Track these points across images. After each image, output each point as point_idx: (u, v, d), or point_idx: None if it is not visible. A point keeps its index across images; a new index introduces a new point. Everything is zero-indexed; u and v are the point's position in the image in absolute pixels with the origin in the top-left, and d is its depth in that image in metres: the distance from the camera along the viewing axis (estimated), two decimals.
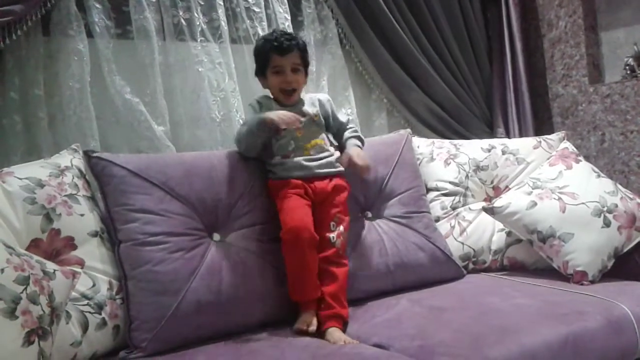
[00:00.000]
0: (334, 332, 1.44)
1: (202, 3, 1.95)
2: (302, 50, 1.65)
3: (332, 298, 1.50)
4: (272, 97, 1.67)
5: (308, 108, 1.67)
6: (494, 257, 1.88)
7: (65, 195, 1.43)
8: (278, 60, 1.60)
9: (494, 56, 2.56)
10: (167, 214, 1.48)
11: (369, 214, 1.80)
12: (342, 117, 1.77)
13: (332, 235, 1.55)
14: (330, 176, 1.62)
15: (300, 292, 1.51)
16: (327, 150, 1.65)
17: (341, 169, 1.66)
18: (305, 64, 1.67)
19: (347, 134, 1.73)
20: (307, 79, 1.71)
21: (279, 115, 1.53)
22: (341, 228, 1.58)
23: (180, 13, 1.91)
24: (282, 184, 1.59)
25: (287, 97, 1.64)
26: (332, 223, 1.57)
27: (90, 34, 1.78)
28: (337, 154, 1.68)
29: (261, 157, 1.65)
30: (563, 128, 2.46)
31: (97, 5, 1.79)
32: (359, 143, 1.72)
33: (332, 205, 1.60)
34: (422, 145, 2.09)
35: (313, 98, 1.72)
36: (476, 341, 1.29)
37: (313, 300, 1.50)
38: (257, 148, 1.62)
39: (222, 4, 1.97)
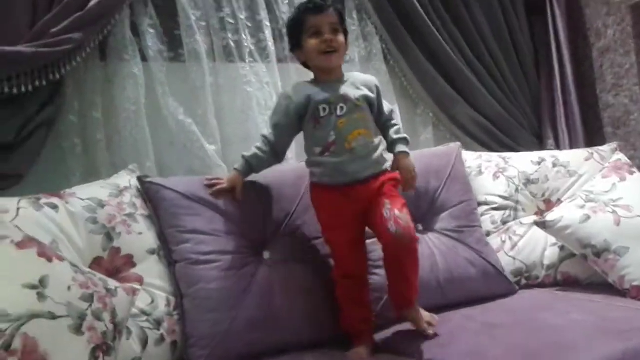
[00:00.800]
0: (412, 314, 1.49)
1: (250, 25, 2.01)
2: (339, 12, 1.52)
3: (406, 293, 1.47)
4: (307, 80, 1.54)
5: (349, 90, 1.49)
6: (547, 272, 1.85)
7: (124, 215, 1.48)
8: (314, 19, 1.46)
9: (542, 67, 2.54)
10: (217, 233, 1.52)
11: (420, 227, 1.80)
12: (386, 107, 1.59)
13: (390, 224, 1.38)
14: (375, 176, 1.48)
15: (352, 326, 1.51)
16: (372, 143, 1.48)
17: (388, 165, 1.52)
18: (345, 29, 1.53)
19: (392, 134, 1.56)
20: (348, 46, 1.56)
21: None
22: (396, 212, 1.39)
23: (229, 35, 1.97)
24: (321, 191, 1.50)
25: (328, 59, 1.47)
26: (385, 210, 1.40)
27: (144, 58, 1.85)
28: (383, 146, 1.54)
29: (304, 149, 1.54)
30: (615, 139, 2.40)
31: (151, 30, 1.87)
32: (406, 149, 1.56)
33: (380, 197, 1.44)
34: (470, 158, 2.08)
35: (358, 79, 1.54)
36: (531, 358, 1.27)
37: (366, 331, 1.50)
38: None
39: (269, 24, 2.02)
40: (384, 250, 1.44)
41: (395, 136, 1.56)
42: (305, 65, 1.56)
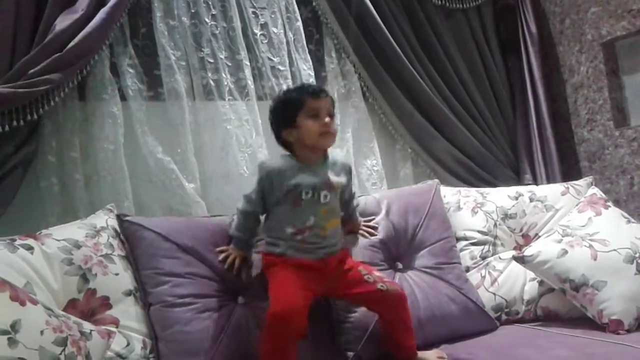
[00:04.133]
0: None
1: (230, 64, 2.03)
2: (332, 100, 1.58)
3: (411, 342, 1.57)
4: (287, 155, 1.56)
5: (332, 177, 1.54)
6: (527, 307, 1.86)
7: (101, 255, 1.47)
8: (314, 103, 1.50)
9: (517, 102, 2.59)
10: (194, 277, 1.52)
11: (400, 265, 1.80)
12: (353, 186, 1.73)
13: (379, 285, 1.53)
14: (340, 250, 1.58)
15: None
16: (340, 234, 1.58)
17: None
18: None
19: (352, 207, 1.72)
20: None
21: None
22: (376, 274, 1.57)
23: (209, 74, 1.99)
24: (284, 260, 1.49)
25: (327, 140, 1.52)
26: (365, 277, 1.54)
27: (123, 97, 1.86)
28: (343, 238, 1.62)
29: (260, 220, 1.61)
30: (591, 172, 2.44)
31: (130, 70, 1.88)
32: (357, 215, 1.75)
33: (348, 270, 1.55)
34: (449, 194, 2.10)
35: (338, 163, 1.60)
36: None
37: None
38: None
39: (249, 64, 2.04)
40: (381, 311, 1.57)
41: (355, 211, 1.74)
42: (285, 144, 1.57)
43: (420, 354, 1.58)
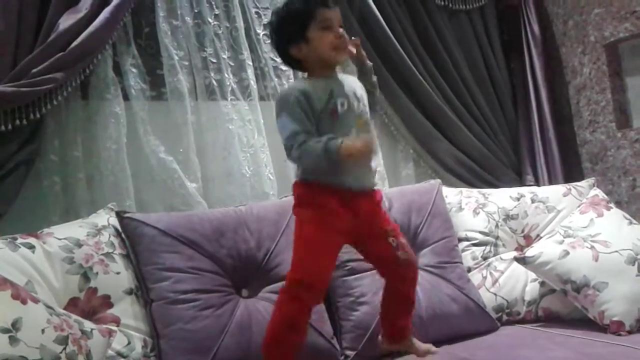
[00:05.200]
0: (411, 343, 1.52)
1: (232, 64, 2.03)
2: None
3: (409, 320, 1.51)
4: (304, 78, 1.44)
5: (357, 89, 1.41)
6: (528, 308, 1.85)
7: (102, 254, 1.48)
8: (327, 13, 1.35)
9: (519, 104, 2.58)
10: (196, 271, 1.52)
11: None
12: None
13: (399, 253, 1.43)
14: (373, 191, 1.45)
15: (281, 352, 1.34)
16: (373, 167, 1.44)
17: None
18: None
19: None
20: None
21: (360, 149, 1.26)
22: (401, 240, 1.46)
23: (212, 74, 2.00)
24: (320, 190, 1.35)
25: (342, 55, 1.38)
26: (390, 239, 1.44)
27: (126, 97, 1.86)
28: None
29: None
30: (593, 174, 2.44)
31: (133, 70, 1.89)
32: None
33: (380, 222, 1.45)
34: (450, 194, 2.10)
35: (350, 79, 1.46)
36: None
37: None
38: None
39: (251, 64, 2.04)
40: (390, 278, 1.49)
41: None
42: (291, 62, 1.44)
43: (413, 340, 1.54)
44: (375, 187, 1.47)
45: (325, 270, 1.36)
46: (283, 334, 1.33)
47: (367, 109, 1.45)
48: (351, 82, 1.44)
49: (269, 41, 2.10)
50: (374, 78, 1.52)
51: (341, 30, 1.37)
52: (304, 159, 1.32)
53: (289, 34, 1.38)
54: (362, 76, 1.49)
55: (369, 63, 1.50)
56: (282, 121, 1.34)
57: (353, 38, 1.43)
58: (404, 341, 1.53)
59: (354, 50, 1.40)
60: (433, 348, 1.56)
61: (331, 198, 1.35)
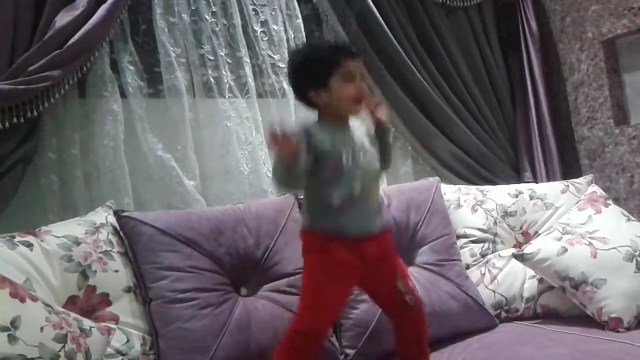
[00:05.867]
0: None
1: (230, 61, 2.02)
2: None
3: None
4: (316, 120, 1.38)
5: (364, 139, 1.37)
6: (527, 305, 1.86)
7: (100, 252, 1.47)
8: (352, 64, 1.32)
9: (517, 101, 2.58)
10: (195, 270, 1.51)
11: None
12: None
13: (407, 297, 1.39)
14: (382, 233, 1.40)
15: None
16: (381, 209, 1.42)
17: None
18: None
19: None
20: None
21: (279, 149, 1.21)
22: (410, 283, 1.43)
23: (209, 72, 1.99)
24: (325, 240, 1.32)
25: (360, 108, 1.35)
26: (398, 283, 1.39)
27: (123, 95, 1.86)
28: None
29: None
30: (591, 170, 2.44)
31: (130, 67, 1.88)
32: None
33: (389, 266, 1.41)
34: (449, 191, 2.10)
35: (363, 131, 1.41)
36: None
37: None
38: (296, 173, 1.26)
39: (249, 61, 2.04)
40: (400, 324, 1.44)
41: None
42: (311, 105, 1.38)
43: None
44: (385, 228, 1.41)
45: (331, 318, 1.37)
46: None
47: (376, 161, 1.40)
48: (362, 133, 1.40)
49: (266, 38, 2.10)
50: (390, 138, 1.46)
51: (362, 84, 1.34)
52: (274, 174, 1.32)
53: (310, 79, 1.34)
54: (378, 133, 1.43)
55: (389, 126, 1.44)
56: None
57: (373, 95, 1.37)
58: None
59: (373, 108, 1.37)
60: None
61: (337, 246, 1.32)
